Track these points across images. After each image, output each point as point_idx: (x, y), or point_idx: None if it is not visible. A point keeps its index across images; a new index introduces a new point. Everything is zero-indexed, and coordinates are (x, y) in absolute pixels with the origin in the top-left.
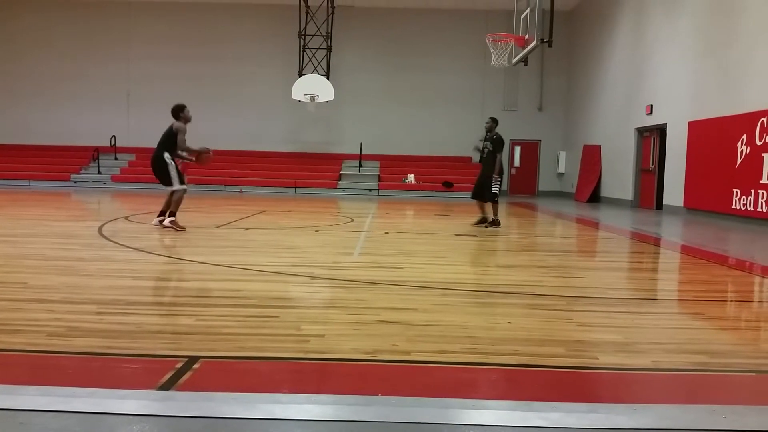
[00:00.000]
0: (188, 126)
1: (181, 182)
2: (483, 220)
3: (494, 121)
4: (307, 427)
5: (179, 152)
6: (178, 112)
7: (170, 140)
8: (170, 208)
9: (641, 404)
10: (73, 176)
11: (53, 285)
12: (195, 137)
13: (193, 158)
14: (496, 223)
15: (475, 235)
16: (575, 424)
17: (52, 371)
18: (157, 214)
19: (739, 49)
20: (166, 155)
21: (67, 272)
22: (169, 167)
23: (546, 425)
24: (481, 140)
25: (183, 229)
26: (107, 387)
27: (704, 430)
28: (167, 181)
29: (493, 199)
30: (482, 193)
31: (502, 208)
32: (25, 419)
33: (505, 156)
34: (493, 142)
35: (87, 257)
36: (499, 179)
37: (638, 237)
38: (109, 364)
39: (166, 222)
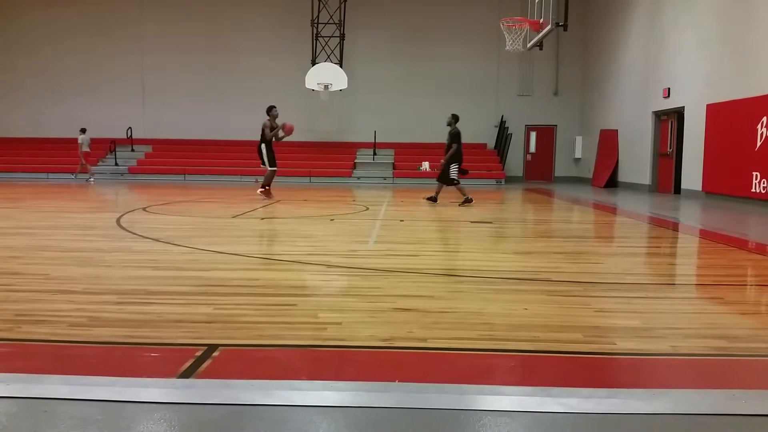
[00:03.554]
0: (206, 116)
1: (272, 165)
2: (467, 200)
3: (453, 117)
4: (325, 413)
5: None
6: (267, 111)
7: (263, 134)
8: (264, 182)
9: (660, 389)
10: (91, 168)
11: (74, 276)
12: (208, 128)
13: (282, 136)
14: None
15: (490, 222)
16: (593, 409)
17: (74, 360)
18: (260, 186)
19: (758, 30)
20: (262, 146)
21: (88, 263)
22: (263, 154)
23: (564, 410)
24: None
25: (271, 196)
26: (128, 375)
27: (723, 415)
28: (263, 162)
29: (451, 183)
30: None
31: (519, 193)
32: (49, 407)
33: (520, 141)
34: (450, 136)
35: (106, 248)
36: (455, 166)
37: (656, 222)
38: (130, 353)
39: (259, 191)
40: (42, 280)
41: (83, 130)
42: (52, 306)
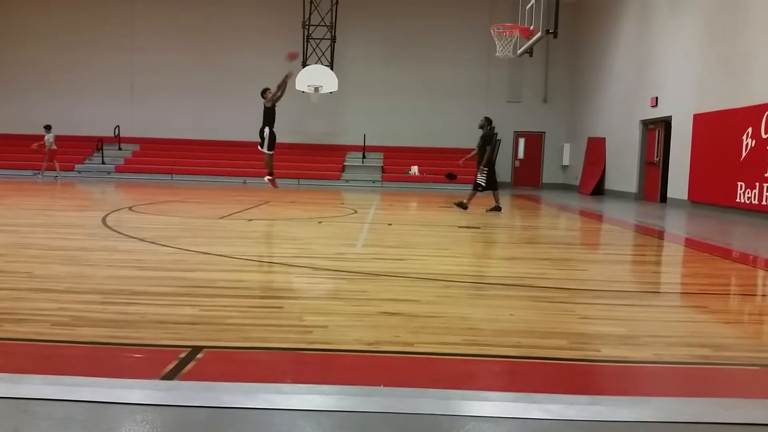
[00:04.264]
0: (195, 116)
1: (270, 148)
2: (463, 206)
3: (486, 120)
4: (309, 417)
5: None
6: (262, 94)
7: (265, 116)
8: (269, 169)
9: (643, 397)
10: (77, 166)
11: (58, 274)
12: (196, 128)
13: (287, 79)
14: (463, 206)
15: (478, 228)
16: (577, 416)
17: (56, 360)
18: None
19: (745, 41)
20: (266, 129)
21: (72, 262)
22: (265, 137)
23: (547, 417)
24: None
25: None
26: (111, 376)
27: (706, 423)
28: (261, 145)
29: (477, 188)
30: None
31: (507, 200)
32: (30, 408)
33: (509, 148)
34: (482, 138)
35: (91, 247)
36: (485, 170)
37: (642, 230)
38: (114, 353)
39: (266, 179)
40: (25, 278)
41: (48, 128)
42: (35, 305)
